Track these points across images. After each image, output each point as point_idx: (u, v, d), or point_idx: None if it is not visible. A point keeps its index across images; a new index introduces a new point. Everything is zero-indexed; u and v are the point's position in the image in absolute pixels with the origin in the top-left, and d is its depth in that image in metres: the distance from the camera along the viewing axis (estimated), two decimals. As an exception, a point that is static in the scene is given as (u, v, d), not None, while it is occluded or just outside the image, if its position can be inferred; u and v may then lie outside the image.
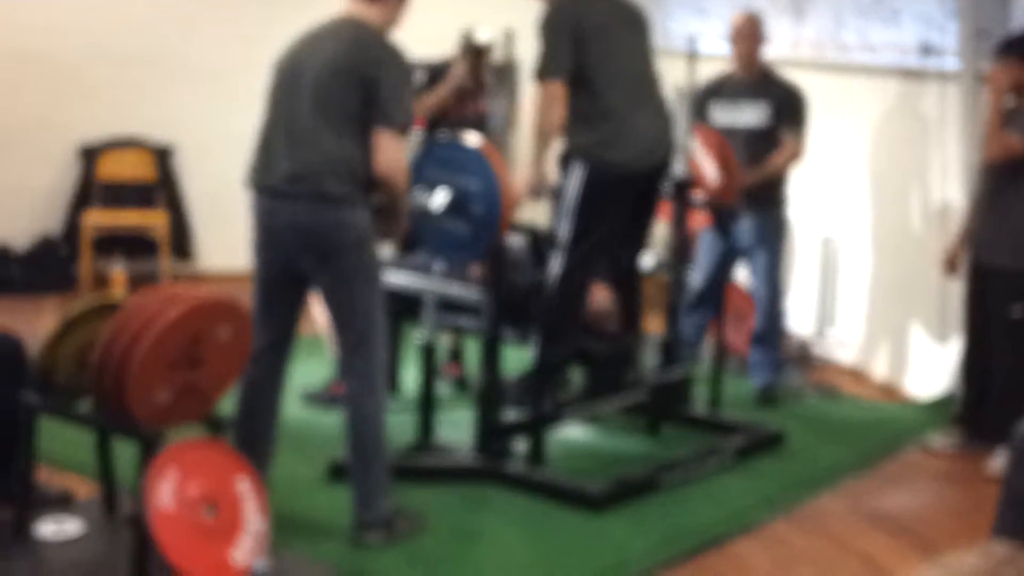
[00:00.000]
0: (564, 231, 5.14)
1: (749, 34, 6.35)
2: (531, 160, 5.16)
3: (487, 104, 6.03)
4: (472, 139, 5.06)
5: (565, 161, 5.28)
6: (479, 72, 6.71)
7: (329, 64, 4.33)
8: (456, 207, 4.93)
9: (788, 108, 6.29)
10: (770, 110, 6.28)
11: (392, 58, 4.35)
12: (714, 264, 6.38)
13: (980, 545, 3.85)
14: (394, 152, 4.30)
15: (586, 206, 5.13)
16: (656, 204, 5.56)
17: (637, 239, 5.54)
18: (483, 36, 6.71)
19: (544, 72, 5.08)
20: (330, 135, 4.30)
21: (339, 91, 4.30)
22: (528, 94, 8.61)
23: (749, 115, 6.31)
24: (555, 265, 5.11)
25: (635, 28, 5.36)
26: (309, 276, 4.47)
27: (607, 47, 5.16)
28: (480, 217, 4.89)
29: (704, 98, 6.31)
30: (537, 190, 5.23)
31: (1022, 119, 5.22)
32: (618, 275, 5.53)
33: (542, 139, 5.13)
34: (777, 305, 6.45)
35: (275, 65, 4.52)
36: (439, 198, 4.91)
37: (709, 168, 5.91)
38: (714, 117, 6.35)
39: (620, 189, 5.21)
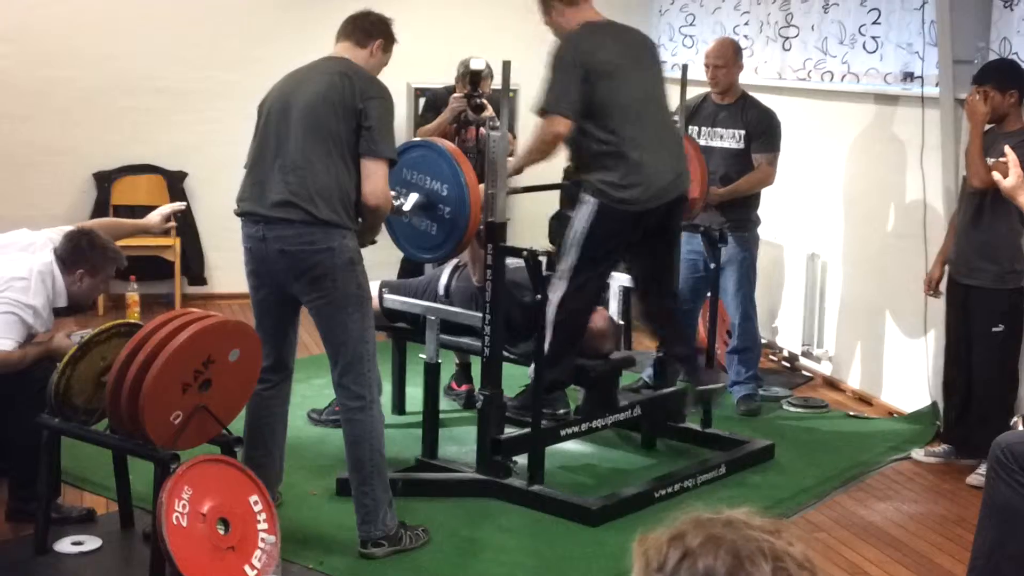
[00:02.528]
0: (568, 259, 5.18)
1: (728, 60, 6.46)
2: (508, 171, 5.17)
3: (487, 131, 6.21)
4: (445, 144, 5.19)
5: (571, 191, 5.31)
6: (477, 99, 6.88)
7: (321, 94, 4.48)
8: (427, 209, 5.07)
9: (762, 134, 6.44)
10: (745, 135, 6.43)
11: (379, 93, 4.51)
12: (689, 280, 6.45)
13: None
14: (381, 182, 4.46)
15: (592, 240, 5.13)
16: (676, 237, 5.64)
17: (666, 274, 5.57)
18: (479, 64, 6.87)
19: (548, 106, 5.05)
20: (322, 162, 4.43)
21: (331, 119, 4.44)
22: (527, 123, 8.80)
23: (726, 140, 6.46)
24: (554, 291, 5.18)
25: (646, 61, 5.34)
26: (300, 300, 4.60)
27: (618, 83, 5.12)
28: (450, 219, 5.04)
29: (683, 122, 6.31)
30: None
31: (1000, 144, 5.38)
32: (657, 313, 5.58)
33: (526, 163, 5.17)
34: (750, 321, 6.60)
35: (261, 103, 4.68)
36: (410, 200, 5.04)
37: None
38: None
39: (629, 225, 5.20)
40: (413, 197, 5.07)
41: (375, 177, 4.44)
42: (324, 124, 4.44)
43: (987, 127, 5.44)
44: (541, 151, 5.12)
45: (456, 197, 5.01)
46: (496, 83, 6.36)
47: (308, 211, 4.40)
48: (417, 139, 5.34)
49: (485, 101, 6.92)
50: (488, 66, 6.94)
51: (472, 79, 6.91)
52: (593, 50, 5.13)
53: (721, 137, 6.46)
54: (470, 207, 4.98)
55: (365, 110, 4.43)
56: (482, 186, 5.08)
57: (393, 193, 4.82)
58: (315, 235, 4.42)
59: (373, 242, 4.73)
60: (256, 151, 4.61)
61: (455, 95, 7.00)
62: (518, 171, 5.21)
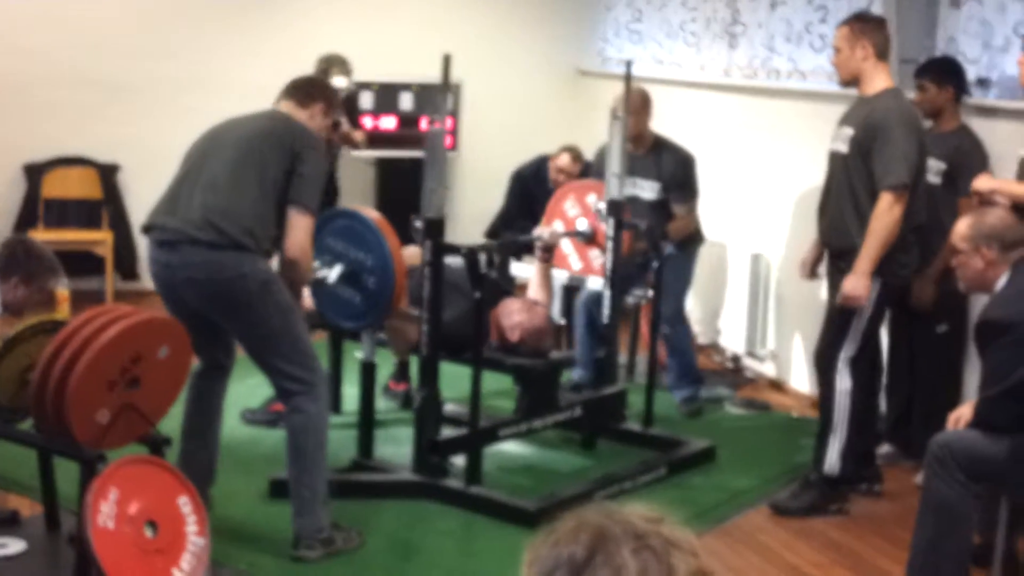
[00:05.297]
0: (851, 348, 5.05)
1: (637, 109, 6.24)
2: (863, 269, 4.89)
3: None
4: (370, 212, 5.14)
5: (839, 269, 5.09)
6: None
7: (259, 130, 4.48)
8: (351, 278, 5.03)
9: (677, 182, 6.36)
10: (662, 187, 6.34)
11: (317, 147, 4.50)
12: None
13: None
14: (303, 235, 4.38)
15: (873, 322, 5.06)
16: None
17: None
18: (339, 82, 6.77)
19: (901, 178, 4.82)
20: (246, 188, 4.36)
21: (265, 152, 4.39)
22: (472, 116, 8.75)
23: (645, 190, 6.34)
24: (841, 381, 5.08)
25: None
26: (220, 325, 4.53)
27: (924, 158, 5.03)
28: (374, 290, 5.00)
29: (600, 170, 6.17)
30: (861, 300, 4.96)
31: (940, 145, 5.35)
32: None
33: (882, 250, 4.89)
34: (683, 325, 6.57)
35: (198, 137, 4.61)
36: (335, 271, 5.00)
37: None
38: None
39: (893, 301, 5.19)
40: (338, 269, 5.01)
41: (299, 230, 4.37)
42: (257, 154, 4.40)
43: (927, 125, 5.45)
44: (893, 229, 4.88)
45: (380, 267, 4.97)
46: (432, 76, 6.25)
47: (221, 229, 4.30)
48: (342, 208, 5.27)
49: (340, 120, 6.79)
50: (349, 85, 6.92)
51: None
52: (920, 126, 5.00)
53: (640, 187, 6.33)
54: (394, 278, 4.94)
55: (302, 155, 4.39)
56: (408, 252, 5.12)
57: (317, 264, 4.82)
58: (224, 260, 4.32)
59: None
60: (180, 174, 4.54)
61: None
62: (872, 267, 4.91)
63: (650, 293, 6.18)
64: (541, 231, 5.99)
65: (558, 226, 6.10)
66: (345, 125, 6.86)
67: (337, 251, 5.03)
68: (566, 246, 6.20)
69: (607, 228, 5.78)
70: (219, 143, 4.48)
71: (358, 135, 7.27)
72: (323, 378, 4.59)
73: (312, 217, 4.42)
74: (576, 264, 6.22)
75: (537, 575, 1.39)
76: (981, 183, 4.80)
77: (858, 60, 5.00)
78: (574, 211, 6.14)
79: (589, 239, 6.05)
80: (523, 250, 7.10)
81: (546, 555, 1.39)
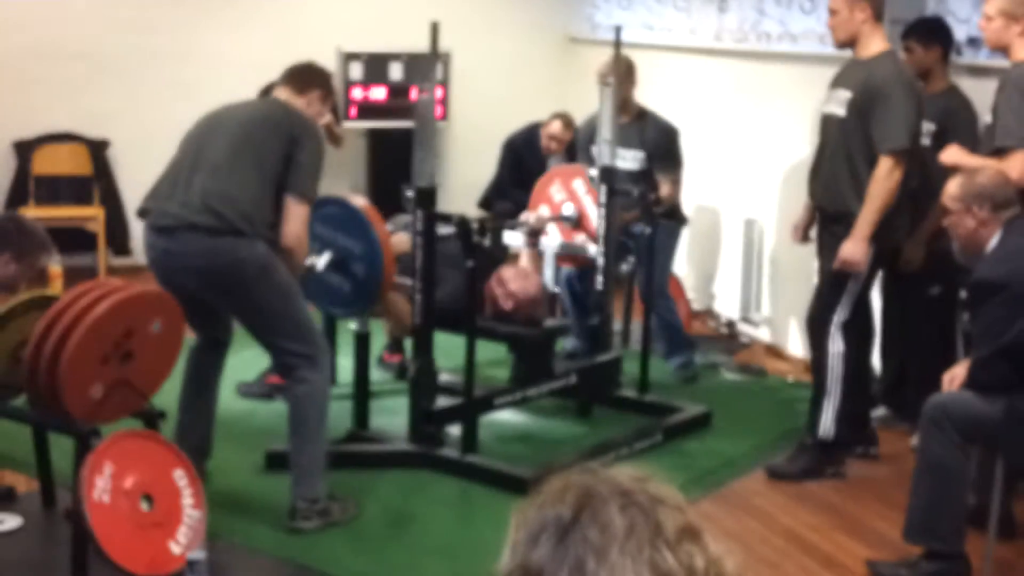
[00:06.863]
0: (844, 312, 5.05)
1: (620, 77, 6.12)
2: (862, 234, 4.86)
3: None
4: (357, 200, 5.14)
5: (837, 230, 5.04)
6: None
7: (258, 114, 4.49)
8: (339, 266, 5.05)
9: (661, 152, 6.33)
10: (645, 155, 6.30)
11: (315, 133, 4.50)
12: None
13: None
14: (300, 225, 4.38)
15: (865, 287, 5.06)
16: None
17: None
18: None
19: (901, 142, 4.82)
20: (244, 173, 4.36)
21: (263, 137, 4.39)
22: (461, 84, 8.71)
23: (628, 160, 6.28)
24: (834, 344, 5.07)
25: None
26: (220, 309, 4.55)
27: (921, 122, 5.01)
28: (362, 276, 5.02)
29: (586, 142, 6.28)
30: (860, 266, 4.93)
31: (930, 108, 5.31)
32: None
33: (881, 215, 4.88)
34: (665, 297, 6.55)
35: (195, 122, 4.60)
36: (323, 259, 5.02)
37: (592, 209, 5.99)
38: (597, 159, 6.26)
39: (885, 264, 5.20)
40: (326, 256, 5.04)
41: (296, 220, 4.37)
42: (255, 140, 4.40)
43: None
44: (892, 193, 4.87)
45: (368, 255, 4.99)
46: (421, 45, 6.23)
47: (219, 213, 4.30)
48: (331, 196, 5.24)
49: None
50: None
51: None
52: (917, 89, 5.02)
53: (623, 158, 6.27)
54: (382, 266, 4.96)
55: (299, 141, 4.38)
56: (397, 239, 5.10)
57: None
58: (222, 246, 4.32)
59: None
60: (175, 159, 4.53)
61: None
62: (872, 232, 4.88)
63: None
64: (527, 216, 5.99)
65: (544, 211, 6.12)
66: (327, 118, 6.79)
67: (325, 238, 5.04)
68: (552, 231, 6.21)
69: (600, 195, 5.77)
70: (217, 128, 4.47)
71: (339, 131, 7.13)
72: (325, 350, 4.59)
73: (308, 206, 4.42)
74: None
75: (524, 538, 1.38)
76: (947, 156, 4.80)
77: (856, 22, 4.97)
78: (560, 195, 6.14)
79: (575, 224, 6.06)
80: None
81: (532, 517, 1.38)
